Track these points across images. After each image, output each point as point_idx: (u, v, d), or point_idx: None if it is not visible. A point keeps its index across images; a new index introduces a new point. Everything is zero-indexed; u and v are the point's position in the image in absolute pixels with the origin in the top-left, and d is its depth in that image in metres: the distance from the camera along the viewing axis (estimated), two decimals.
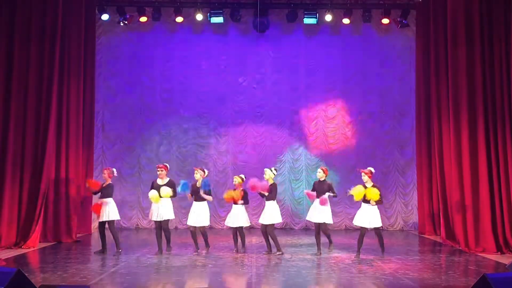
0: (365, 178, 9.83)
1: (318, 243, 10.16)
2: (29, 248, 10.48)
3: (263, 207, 10.36)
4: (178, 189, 10.03)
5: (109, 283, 7.64)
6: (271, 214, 9.99)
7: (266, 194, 10.01)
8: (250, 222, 10.79)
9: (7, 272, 6.12)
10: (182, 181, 10.24)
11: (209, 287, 7.47)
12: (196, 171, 10.30)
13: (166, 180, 10.08)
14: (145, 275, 8.14)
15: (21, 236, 10.62)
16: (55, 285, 7.02)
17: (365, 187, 9.71)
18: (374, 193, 9.52)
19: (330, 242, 10.39)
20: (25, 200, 10.77)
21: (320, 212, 9.98)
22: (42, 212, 10.95)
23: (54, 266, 8.69)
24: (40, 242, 10.99)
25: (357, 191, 9.64)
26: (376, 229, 9.87)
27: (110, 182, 10.28)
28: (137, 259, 9.51)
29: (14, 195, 10.69)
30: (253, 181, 10.07)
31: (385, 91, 14.86)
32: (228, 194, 10.29)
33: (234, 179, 10.45)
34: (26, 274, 6.39)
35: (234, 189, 10.30)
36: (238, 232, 10.34)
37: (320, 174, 10.20)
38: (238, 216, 10.18)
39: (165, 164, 10.39)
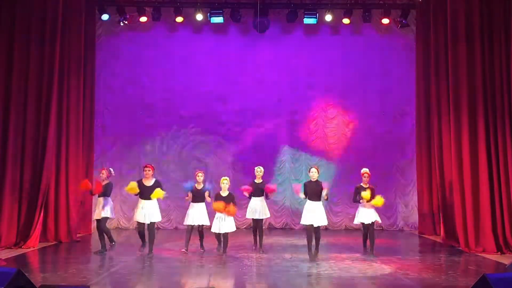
0: (365, 179, 10.33)
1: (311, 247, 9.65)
2: (29, 248, 10.47)
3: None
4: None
5: (109, 283, 7.64)
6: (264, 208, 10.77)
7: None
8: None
9: (7, 272, 6.12)
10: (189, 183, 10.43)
11: (209, 286, 7.47)
12: (199, 174, 10.37)
13: (152, 181, 9.92)
14: (145, 275, 8.14)
15: (21, 236, 10.61)
16: (55, 285, 7.02)
17: (363, 188, 10.23)
18: (379, 202, 10.05)
19: (317, 248, 9.85)
20: (25, 200, 10.76)
21: (316, 215, 9.49)
22: (42, 212, 10.94)
23: (54, 266, 8.70)
24: (40, 242, 10.98)
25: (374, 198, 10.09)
26: (371, 224, 10.23)
27: (109, 182, 10.37)
28: (137, 259, 9.51)
29: (14, 195, 10.69)
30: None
31: (385, 91, 14.86)
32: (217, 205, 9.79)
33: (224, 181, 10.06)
34: (26, 274, 6.40)
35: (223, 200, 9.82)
36: (222, 236, 10.00)
37: (315, 175, 9.65)
38: (225, 222, 9.76)
39: (151, 164, 10.26)
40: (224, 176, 10.40)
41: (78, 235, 12.17)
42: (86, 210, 13.19)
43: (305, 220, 9.58)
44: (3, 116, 10.79)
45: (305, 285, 7.71)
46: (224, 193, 9.96)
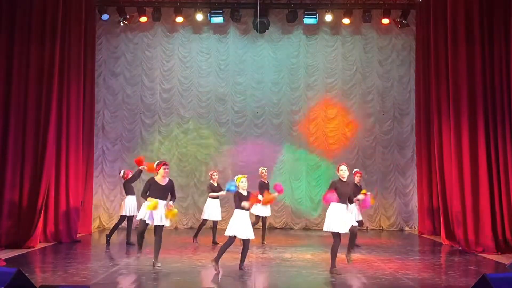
0: (357, 178, 11.07)
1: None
2: (29, 248, 10.46)
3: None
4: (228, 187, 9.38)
5: (109, 283, 7.64)
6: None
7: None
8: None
9: (7, 272, 6.11)
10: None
11: (209, 286, 7.47)
12: (214, 174, 11.41)
13: (167, 180, 8.87)
14: (145, 275, 8.14)
15: (21, 236, 10.59)
16: (55, 285, 7.01)
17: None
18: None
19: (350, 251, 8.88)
20: (25, 200, 10.74)
21: (344, 220, 8.25)
22: (42, 212, 10.93)
23: (54, 266, 8.69)
24: (40, 242, 10.97)
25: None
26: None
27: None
28: (138, 259, 9.49)
29: (14, 195, 10.67)
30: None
31: (385, 91, 14.88)
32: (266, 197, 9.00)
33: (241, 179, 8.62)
34: (26, 274, 6.39)
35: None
36: (244, 244, 8.49)
37: (346, 173, 8.32)
38: (245, 225, 8.36)
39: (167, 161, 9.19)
40: (243, 174, 8.86)
41: (78, 235, 12.15)
42: (86, 210, 13.18)
43: (332, 226, 8.18)
44: (3, 116, 10.77)
45: (305, 285, 7.71)
46: (245, 192, 8.56)
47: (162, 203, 8.72)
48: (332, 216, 8.17)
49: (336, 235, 8.19)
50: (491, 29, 10.75)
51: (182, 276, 8.06)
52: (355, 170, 11.38)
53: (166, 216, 8.73)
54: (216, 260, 8.24)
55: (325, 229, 8.35)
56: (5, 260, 8.96)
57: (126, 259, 9.52)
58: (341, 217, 8.15)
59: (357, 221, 10.74)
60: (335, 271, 8.17)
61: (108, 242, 11.27)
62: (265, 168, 11.84)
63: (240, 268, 8.44)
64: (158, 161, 9.20)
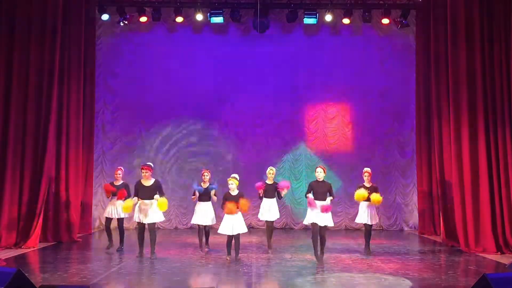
0: (366, 178, 10.45)
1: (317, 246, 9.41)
2: (29, 248, 10.47)
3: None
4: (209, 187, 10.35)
5: (109, 283, 7.64)
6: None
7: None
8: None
9: (7, 272, 6.12)
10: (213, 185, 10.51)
11: (209, 286, 7.47)
12: (205, 174, 10.47)
13: (152, 181, 9.55)
14: (145, 275, 8.15)
15: (21, 236, 10.61)
16: (55, 285, 7.02)
17: (365, 187, 10.31)
18: (377, 199, 10.20)
19: (322, 251, 9.50)
20: (25, 200, 10.75)
21: (321, 214, 9.27)
22: (42, 212, 10.93)
23: (54, 266, 8.69)
24: (40, 242, 10.97)
25: (361, 195, 10.21)
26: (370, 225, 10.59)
27: (123, 182, 10.66)
28: (137, 259, 9.50)
29: (14, 195, 10.68)
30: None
31: (385, 91, 14.87)
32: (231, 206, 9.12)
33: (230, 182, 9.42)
34: (26, 274, 6.39)
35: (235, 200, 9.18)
36: (234, 238, 9.31)
37: (321, 174, 9.48)
38: (238, 222, 9.22)
39: (149, 164, 9.74)
40: (233, 174, 9.77)
41: (78, 235, 12.15)
42: (86, 210, 13.18)
43: (309, 219, 9.34)
44: (3, 116, 10.78)
45: (305, 285, 7.71)
46: (234, 192, 9.30)
47: (148, 202, 9.40)
48: (310, 211, 9.36)
49: (313, 227, 9.33)
50: (491, 29, 10.74)
51: (182, 276, 8.07)
52: (364, 169, 10.68)
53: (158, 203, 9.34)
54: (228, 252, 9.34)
55: (304, 222, 9.62)
56: (5, 260, 8.97)
57: (126, 259, 9.52)
58: (317, 212, 9.24)
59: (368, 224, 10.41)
60: (317, 256, 9.34)
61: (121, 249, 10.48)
62: (273, 169, 10.68)
63: (235, 258, 9.22)
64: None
